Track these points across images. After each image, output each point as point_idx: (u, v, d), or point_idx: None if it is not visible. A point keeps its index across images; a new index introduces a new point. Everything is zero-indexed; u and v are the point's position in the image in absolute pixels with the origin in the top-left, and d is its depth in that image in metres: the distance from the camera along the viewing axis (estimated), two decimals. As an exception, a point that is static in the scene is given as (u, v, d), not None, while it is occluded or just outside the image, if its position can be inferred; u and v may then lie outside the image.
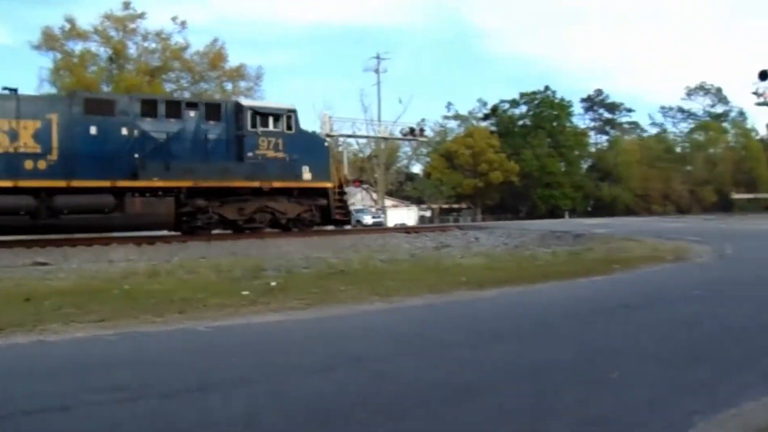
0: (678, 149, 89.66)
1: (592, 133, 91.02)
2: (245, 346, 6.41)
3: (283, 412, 4.33)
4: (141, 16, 45.67)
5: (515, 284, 11.17)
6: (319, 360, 5.82)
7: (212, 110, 23.47)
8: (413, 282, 11.01)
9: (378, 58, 57.81)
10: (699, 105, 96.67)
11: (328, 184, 24.82)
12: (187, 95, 48.06)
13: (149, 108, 22.03)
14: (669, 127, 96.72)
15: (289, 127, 24.19)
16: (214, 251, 18.70)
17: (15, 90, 20.76)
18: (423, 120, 69.07)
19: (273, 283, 10.73)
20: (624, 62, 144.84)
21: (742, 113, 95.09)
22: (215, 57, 48.73)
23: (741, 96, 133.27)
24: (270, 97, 58.29)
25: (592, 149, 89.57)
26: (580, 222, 31.93)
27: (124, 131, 21.39)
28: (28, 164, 19.55)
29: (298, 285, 10.62)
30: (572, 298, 9.79)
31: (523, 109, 73.77)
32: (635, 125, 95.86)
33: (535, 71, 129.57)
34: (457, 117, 76.25)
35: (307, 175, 24.25)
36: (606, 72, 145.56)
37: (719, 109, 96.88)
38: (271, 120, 23.83)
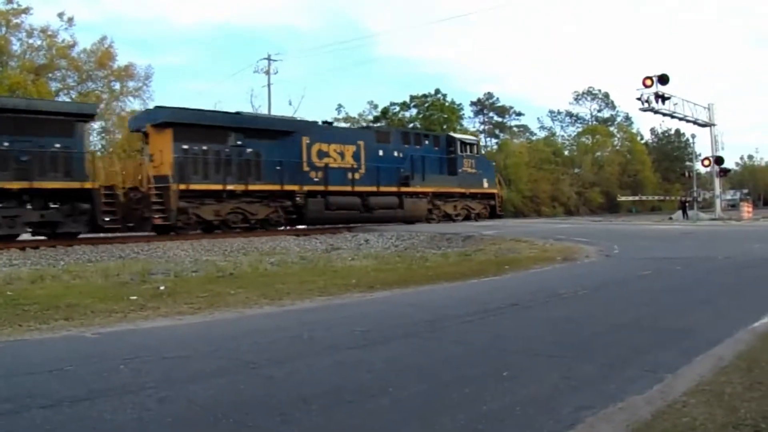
0: (566, 152, 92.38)
1: (482, 136, 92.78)
2: (134, 352, 6.29)
3: (173, 419, 4.33)
4: (26, 11, 43.84)
5: (405, 286, 11.36)
6: (209, 365, 5.81)
7: (437, 140, 36.54)
8: (303, 285, 11.08)
9: (269, 59, 57.39)
10: (586, 109, 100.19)
11: (495, 191, 38.82)
12: (74, 95, 46.75)
13: (406, 138, 34.42)
14: (557, 130, 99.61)
15: (477, 152, 38.81)
16: (101, 255, 18.31)
17: (331, 122, 35.71)
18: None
19: (162, 288, 10.63)
20: (513, 66, 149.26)
21: (628, 118, 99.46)
22: (103, 56, 47.08)
23: (627, 101, 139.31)
24: (159, 99, 57.82)
25: (482, 152, 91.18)
26: (469, 224, 32.58)
27: (396, 153, 32.77)
28: (350, 176, 30.12)
29: (188, 289, 10.56)
30: (462, 299, 9.95)
31: (414, 111, 74.30)
32: (524, 128, 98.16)
33: (425, 74, 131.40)
34: (347, 119, 76.32)
35: (485, 184, 37.89)
36: (496, 76, 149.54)
37: (606, 113, 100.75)
38: (468, 147, 37.41)
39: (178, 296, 9.81)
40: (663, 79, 35.94)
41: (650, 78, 36.08)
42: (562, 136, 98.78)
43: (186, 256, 18.29)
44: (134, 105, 49.88)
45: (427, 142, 35.45)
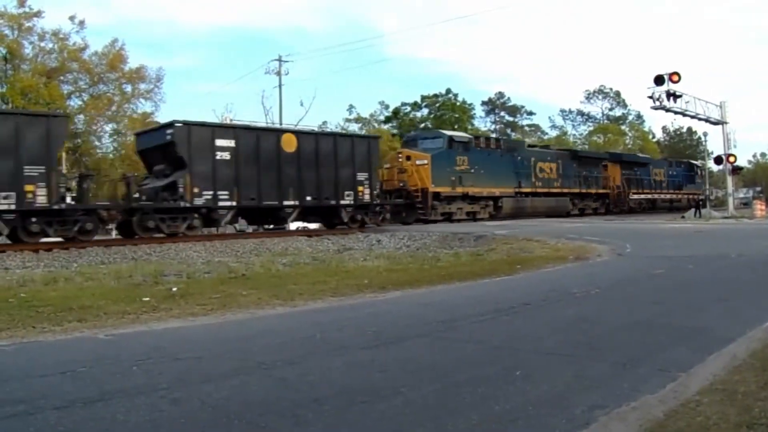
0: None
1: (493, 136, 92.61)
2: (147, 353, 6.31)
3: (186, 420, 4.34)
4: (37, 14, 43.99)
5: (418, 286, 11.35)
6: (222, 366, 5.83)
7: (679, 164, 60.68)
8: (316, 285, 11.08)
9: (280, 60, 57.42)
10: (598, 108, 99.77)
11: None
12: (86, 98, 47.01)
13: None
14: (569, 129, 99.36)
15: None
16: (114, 257, 18.38)
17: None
18: (324, 122, 68.86)
19: (174, 289, 10.65)
20: (525, 66, 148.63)
21: (639, 116, 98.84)
22: (114, 58, 47.18)
23: (638, 99, 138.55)
24: (170, 101, 58.25)
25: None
26: (482, 223, 32.52)
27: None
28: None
29: (200, 290, 10.58)
30: (475, 298, 9.94)
31: (425, 111, 74.26)
32: (536, 128, 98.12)
33: (436, 74, 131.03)
34: (358, 120, 76.28)
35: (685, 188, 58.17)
36: (507, 75, 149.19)
37: (618, 112, 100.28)
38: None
39: (190, 297, 9.83)
40: (674, 77, 35.80)
41: (662, 76, 35.95)
42: (574, 135, 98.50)
43: (198, 258, 18.33)
44: (146, 107, 50.12)
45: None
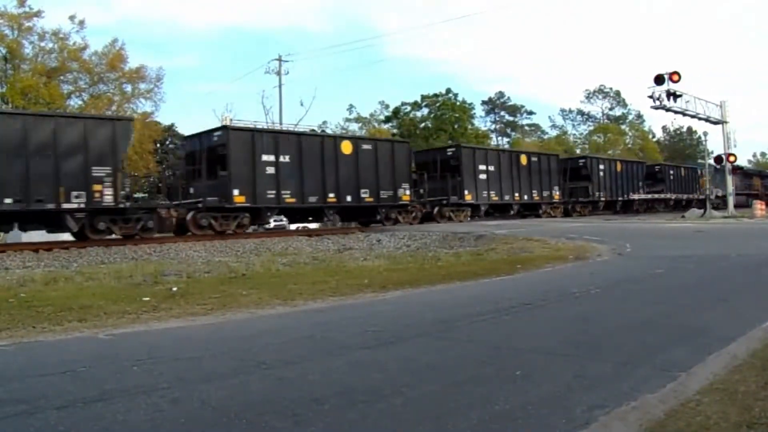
0: (578, 151, 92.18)
1: (493, 136, 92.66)
2: (147, 353, 6.32)
3: (186, 419, 4.34)
4: (37, 14, 43.97)
5: (418, 286, 11.35)
6: (222, 366, 5.82)
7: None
8: (316, 285, 11.09)
9: (280, 60, 57.46)
10: (598, 108, 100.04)
11: None
12: (86, 97, 47.06)
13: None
14: (569, 129, 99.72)
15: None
16: (114, 257, 18.38)
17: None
18: (325, 122, 69.09)
19: (174, 289, 10.66)
20: (524, 65, 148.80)
21: (639, 116, 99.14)
22: (114, 58, 47.14)
23: (638, 99, 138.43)
24: (170, 101, 58.33)
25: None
26: (482, 223, 32.49)
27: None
28: None
29: (200, 290, 10.58)
30: (475, 298, 9.93)
31: (425, 111, 74.22)
32: (536, 127, 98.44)
33: (436, 74, 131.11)
34: (358, 119, 76.32)
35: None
36: (507, 75, 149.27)
37: (618, 111, 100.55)
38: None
39: (190, 297, 9.84)
40: (674, 77, 35.77)
41: (662, 76, 35.93)
42: (574, 134, 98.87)
43: (198, 257, 18.34)
44: (146, 107, 50.15)
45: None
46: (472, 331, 7.36)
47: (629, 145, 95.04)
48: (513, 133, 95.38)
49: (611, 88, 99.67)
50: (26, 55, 45.29)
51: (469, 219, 35.05)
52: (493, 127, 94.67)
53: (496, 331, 7.38)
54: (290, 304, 9.53)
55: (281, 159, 26.53)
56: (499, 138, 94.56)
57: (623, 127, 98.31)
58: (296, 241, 24.01)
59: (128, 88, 49.69)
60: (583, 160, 47.51)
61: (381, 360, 6.07)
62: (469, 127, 73.75)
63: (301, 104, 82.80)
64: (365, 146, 30.48)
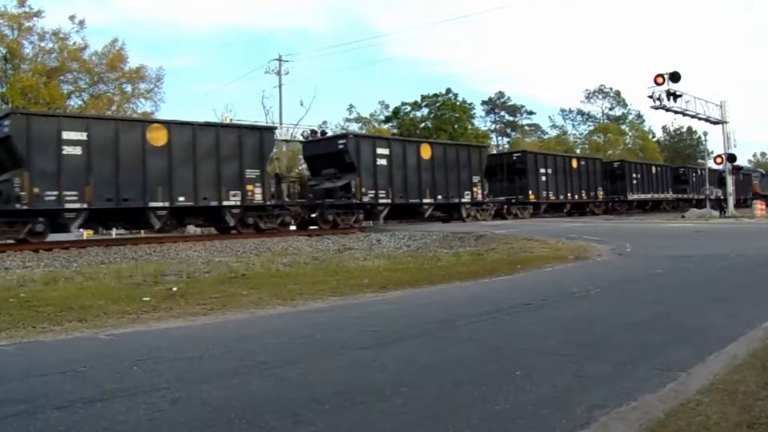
0: (578, 151, 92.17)
1: (493, 135, 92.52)
2: (147, 353, 6.32)
3: (186, 419, 4.33)
4: (38, 14, 43.93)
5: (418, 286, 11.35)
6: (222, 366, 5.82)
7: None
8: (316, 285, 11.09)
9: (280, 60, 57.49)
10: (598, 107, 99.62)
11: None
12: (86, 97, 47.03)
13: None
14: (569, 129, 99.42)
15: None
16: (114, 257, 18.38)
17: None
18: (325, 122, 68.74)
19: (174, 289, 10.66)
20: (525, 66, 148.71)
21: (639, 116, 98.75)
22: (114, 58, 47.08)
23: (638, 99, 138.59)
24: (170, 101, 58.46)
25: (494, 151, 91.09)
26: (483, 223, 32.49)
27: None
28: None
29: (200, 290, 10.58)
30: (475, 298, 9.93)
31: (425, 111, 73.96)
32: (536, 127, 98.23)
33: (436, 74, 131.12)
34: (358, 119, 76.22)
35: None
36: (507, 75, 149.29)
37: (618, 111, 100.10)
38: None
39: (190, 297, 9.84)
40: (674, 77, 35.80)
41: (662, 76, 35.95)
42: (574, 134, 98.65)
43: (198, 257, 18.33)
44: (146, 107, 50.10)
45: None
46: (471, 331, 7.34)
47: (629, 146, 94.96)
48: (513, 133, 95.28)
49: (611, 88, 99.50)
50: (26, 55, 45.25)
51: (530, 216, 39.34)
52: (493, 127, 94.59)
53: (496, 331, 7.37)
54: (290, 304, 9.53)
55: (391, 162, 30.58)
56: (499, 138, 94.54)
57: (623, 127, 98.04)
58: (296, 241, 24.03)
59: (128, 88, 49.67)
60: (618, 163, 52.99)
61: (381, 360, 6.06)
62: (469, 127, 73.60)
63: (301, 104, 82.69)
64: (449, 153, 34.37)
